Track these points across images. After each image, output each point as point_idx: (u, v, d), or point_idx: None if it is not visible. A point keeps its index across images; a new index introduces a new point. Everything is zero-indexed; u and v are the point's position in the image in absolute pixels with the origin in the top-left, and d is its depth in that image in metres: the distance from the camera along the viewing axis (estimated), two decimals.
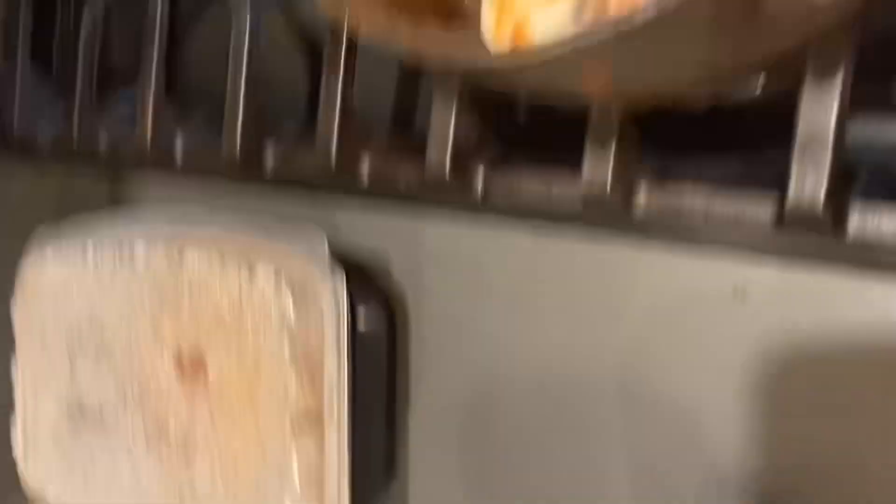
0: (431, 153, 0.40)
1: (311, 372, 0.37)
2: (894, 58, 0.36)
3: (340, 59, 0.42)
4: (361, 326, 0.40)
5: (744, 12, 0.23)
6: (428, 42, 0.24)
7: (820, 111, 0.29)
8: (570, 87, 0.28)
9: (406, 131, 0.48)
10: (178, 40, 0.58)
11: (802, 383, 0.35)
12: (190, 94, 0.60)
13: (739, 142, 0.38)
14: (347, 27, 0.33)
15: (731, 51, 0.26)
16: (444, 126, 0.39)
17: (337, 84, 0.42)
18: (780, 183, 0.31)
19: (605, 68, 0.25)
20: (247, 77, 0.46)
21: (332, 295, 0.37)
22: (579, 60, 0.24)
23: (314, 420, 0.37)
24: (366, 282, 0.46)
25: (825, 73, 0.29)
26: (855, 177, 0.32)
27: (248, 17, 0.46)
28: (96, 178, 0.62)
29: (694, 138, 0.38)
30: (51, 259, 0.45)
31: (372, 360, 0.42)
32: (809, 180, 0.30)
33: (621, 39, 0.22)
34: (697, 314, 0.37)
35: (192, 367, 0.41)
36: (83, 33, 0.53)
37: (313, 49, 0.51)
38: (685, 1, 0.21)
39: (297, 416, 0.37)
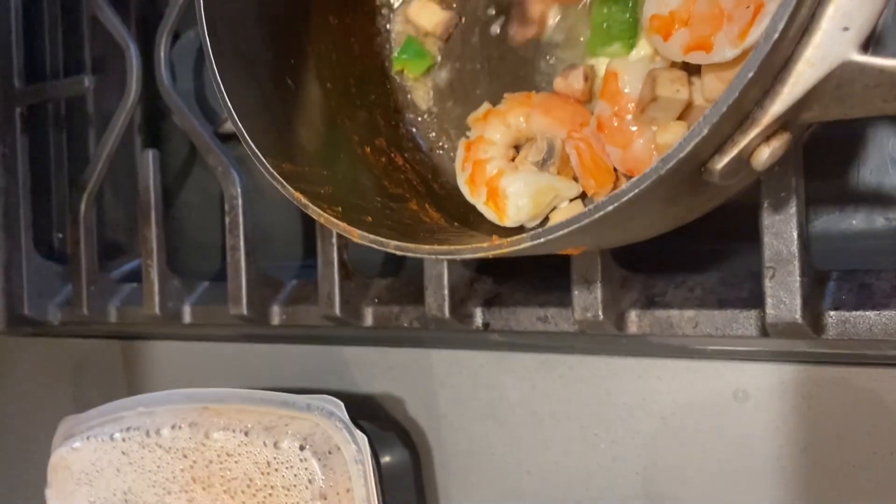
0: (430, 297, 0.42)
1: None
2: (842, 153, 0.39)
3: None
4: (388, 472, 0.42)
5: (690, 187, 0.25)
6: (412, 251, 0.26)
7: (781, 236, 0.31)
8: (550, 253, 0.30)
9: (398, 268, 0.51)
10: (169, 200, 0.61)
11: (814, 472, 0.36)
12: (187, 249, 0.63)
13: (717, 247, 0.41)
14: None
15: (686, 210, 0.28)
16: (438, 273, 0.41)
17: (332, 242, 0.45)
18: (759, 296, 0.33)
19: (578, 244, 0.28)
20: (244, 240, 0.48)
21: (356, 456, 0.38)
22: (554, 247, 0.26)
23: None
24: (384, 420, 0.48)
25: (780, 200, 0.32)
26: (827, 281, 0.34)
27: (238, 182, 0.49)
28: (108, 341, 0.63)
29: (670, 248, 0.40)
30: (80, 449, 0.46)
31: (402, 501, 0.43)
32: (784, 299, 0.32)
33: (584, 231, 0.24)
34: (705, 419, 0.38)
35: None
36: (82, 218, 0.56)
37: None
38: (639, 194, 0.23)
39: None
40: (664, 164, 0.22)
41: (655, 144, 0.32)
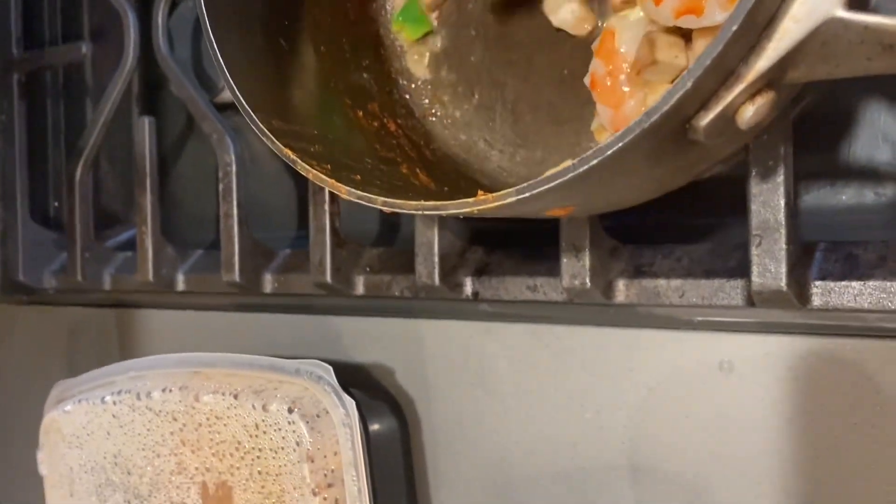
0: (420, 265, 0.42)
1: (333, 494, 0.39)
2: (834, 128, 0.39)
3: (325, 190, 0.45)
4: (376, 439, 0.42)
5: (675, 145, 0.25)
6: (399, 206, 0.26)
7: (769, 204, 0.32)
8: (537, 215, 0.30)
9: (391, 239, 0.51)
10: (165, 172, 0.61)
11: (797, 442, 0.36)
12: (181, 217, 0.63)
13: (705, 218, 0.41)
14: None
15: (672, 172, 0.28)
16: (429, 240, 0.41)
17: (324, 209, 0.45)
18: (746, 265, 0.33)
19: (564, 203, 0.28)
20: (238, 207, 0.49)
21: (344, 419, 0.39)
22: (541, 203, 0.26)
23: None
24: (373, 389, 0.48)
25: (768, 169, 0.32)
26: (814, 251, 0.34)
27: (233, 149, 0.49)
28: (102, 309, 0.63)
29: (661, 223, 0.41)
30: (72, 413, 0.47)
31: (390, 468, 0.44)
32: (770, 267, 0.32)
33: (569, 187, 0.24)
34: (691, 389, 0.39)
35: (218, 498, 0.43)
36: (77, 185, 0.56)
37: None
38: (623, 147, 0.23)
39: None
40: (648, 117, 0.22)
41: (645, 107, 0.32)
